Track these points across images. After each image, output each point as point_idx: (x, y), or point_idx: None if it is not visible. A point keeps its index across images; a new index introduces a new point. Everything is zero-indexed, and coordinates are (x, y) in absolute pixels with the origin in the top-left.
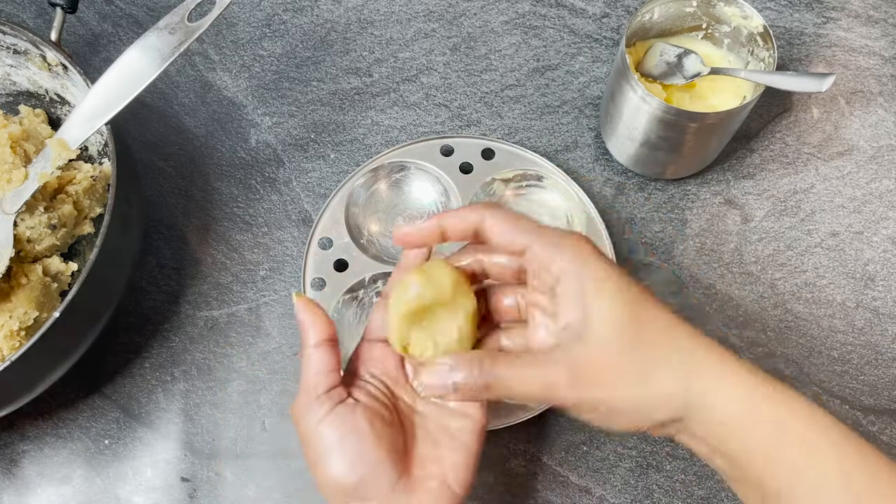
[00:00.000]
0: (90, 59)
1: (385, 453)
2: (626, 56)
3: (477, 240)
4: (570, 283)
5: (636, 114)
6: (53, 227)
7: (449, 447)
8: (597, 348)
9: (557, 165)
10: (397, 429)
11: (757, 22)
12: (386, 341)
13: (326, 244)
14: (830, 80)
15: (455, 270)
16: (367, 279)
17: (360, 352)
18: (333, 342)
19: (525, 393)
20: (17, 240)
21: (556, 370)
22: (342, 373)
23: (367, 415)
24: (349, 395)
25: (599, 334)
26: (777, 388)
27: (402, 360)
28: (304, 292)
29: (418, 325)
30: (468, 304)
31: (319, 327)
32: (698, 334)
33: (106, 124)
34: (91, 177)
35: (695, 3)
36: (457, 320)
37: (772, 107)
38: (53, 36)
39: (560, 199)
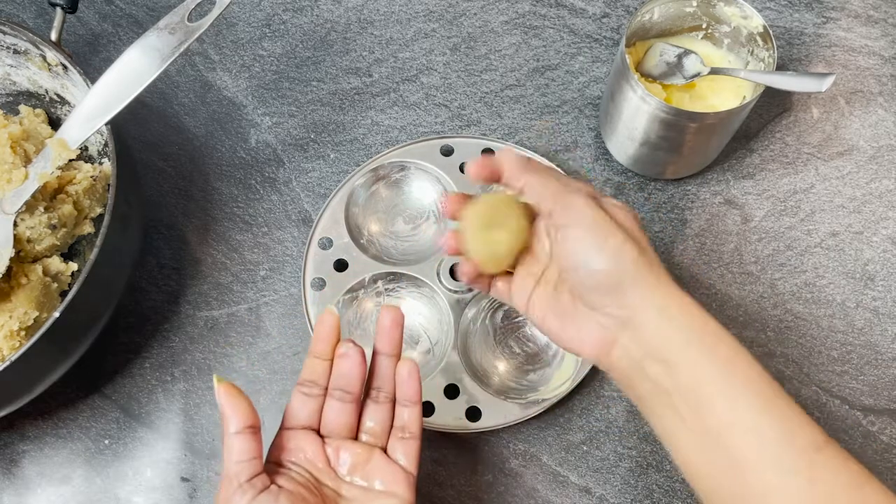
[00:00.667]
0: (90, 59)
1: None
2: (626, 56)
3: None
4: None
5: (636, 114)
6: (53, 227)
7: None
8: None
9: (557, 165)
10: None
11: (757, 22)
12: (306, 428)
13: (326, 244)
14: (830, 80)
15: (511, 197)
16: (367, 279)
17: (280, 441)
18: (255, 429)
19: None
20: (17, 240)
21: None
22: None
23: (291, 500)
24: (272, 482)
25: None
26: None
27: (323, 445)
28: (305, 292)
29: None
30: (519, 221)
31: (241, 414)
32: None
33: (106, 124)
34: (91, 177)
35: (695, 3)
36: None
37: (772, 107)
38: (53, 36)
39: None
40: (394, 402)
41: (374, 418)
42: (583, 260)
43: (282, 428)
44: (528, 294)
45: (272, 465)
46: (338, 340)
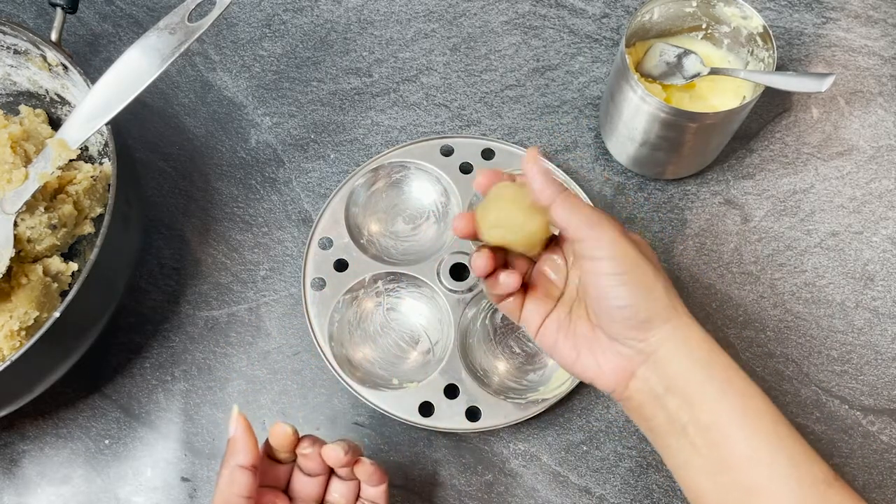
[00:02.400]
0: (90, 59)
1: None
2: (626, 56)
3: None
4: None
5: (636, 114)
6: (54, 227)
7: None
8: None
9: (557, 165)
10: None
11: (757, 22)
12: (274, 488)
13: (326, 244)
14: (830, 81)
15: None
16: (367, 279)
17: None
18: (257, 469)
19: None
20: (17, 240)
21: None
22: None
23: None
24: None
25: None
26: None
27: None
28: (305, 292)
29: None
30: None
31: (252, 451)
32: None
33: (106, 124)
34: (91, 177)
35: (695, 4)
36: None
37: (772, 107)
38: (54, 36)
39: None
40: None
41: (339, 491)
42: (614, 294)
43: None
44: (541, 318)
45: None
46: (296, 443)
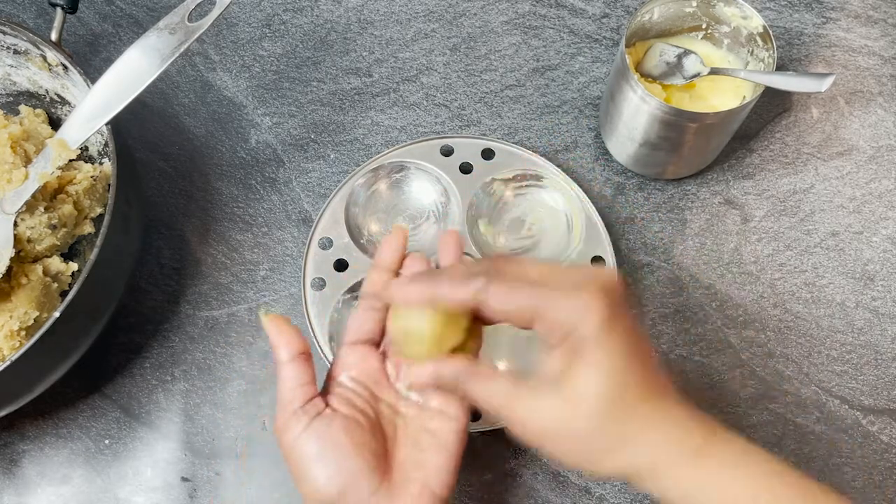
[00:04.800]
0: (90, 59)
1: (364, 462)
2: (626, 56)
3: (475, 307)
4: (570, 343)
5: (636, 114)
6: (53, 227)
7: (430, 450)
8: (563, 414)
9: (557, 165)
10: (377, 434)
11: (757, 22)
12: (366, 343)
13: (326, 244)
14: (830, 81)
15: (447, 315)
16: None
17: (340, 356)
18: (307, 355)
19: (490, 412)
20: (17, 240)
21: (517, 415)
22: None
23: (345, 425)
24: (327, 405)
25: (575, 398)
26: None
27: (384, 360)
28: (305, 292)
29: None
30: (459, 337)
31: (291, 343)
32: (673, 408)
33: (106, 124)
34: (91, 177)
35: (695, 4)
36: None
37: (771, 107)
38: (54, 36)
39: (560, 200)
40: None
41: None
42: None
43: (343, 343)
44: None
45: (329, 382)
46: (404, 256)
